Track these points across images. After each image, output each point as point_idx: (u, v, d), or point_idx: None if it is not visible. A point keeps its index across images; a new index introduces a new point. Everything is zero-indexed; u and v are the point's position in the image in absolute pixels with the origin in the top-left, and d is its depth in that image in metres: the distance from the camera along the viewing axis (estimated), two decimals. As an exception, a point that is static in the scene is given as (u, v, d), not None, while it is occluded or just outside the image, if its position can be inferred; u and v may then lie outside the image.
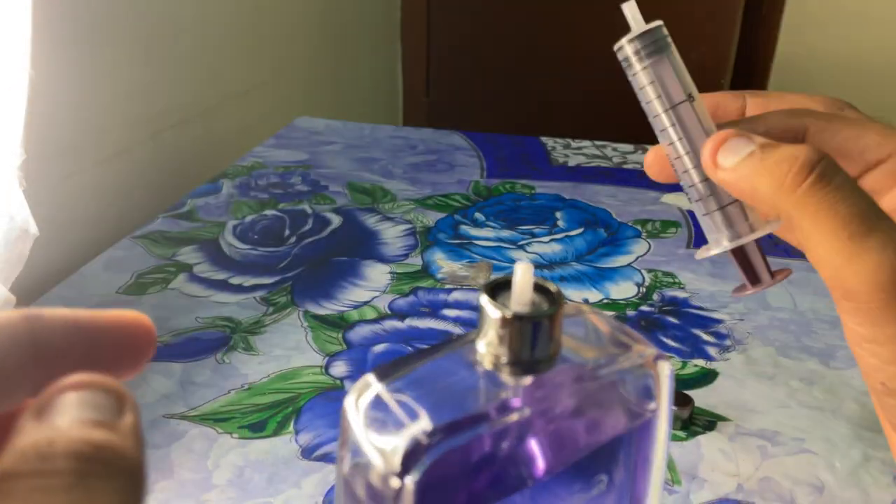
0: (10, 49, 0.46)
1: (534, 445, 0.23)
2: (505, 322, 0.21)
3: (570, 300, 0.56)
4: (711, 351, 0.51)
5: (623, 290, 0.58)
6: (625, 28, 0.31)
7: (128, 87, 0.74)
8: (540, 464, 0.23)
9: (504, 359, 0.22)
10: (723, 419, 0.45)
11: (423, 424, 0.20)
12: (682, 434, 0.44)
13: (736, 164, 0.26)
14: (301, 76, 1.14)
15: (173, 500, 0.38)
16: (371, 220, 0.69)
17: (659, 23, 0.29)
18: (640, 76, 0.29)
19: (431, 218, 0.69)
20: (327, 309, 0.55)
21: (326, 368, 0.49)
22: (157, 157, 0.79)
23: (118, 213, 0.72)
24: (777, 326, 0.54)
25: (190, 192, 0.73)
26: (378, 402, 0.21)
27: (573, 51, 1.59)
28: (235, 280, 0.59)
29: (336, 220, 0.69)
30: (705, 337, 0.52)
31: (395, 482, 0.20)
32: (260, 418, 0.44)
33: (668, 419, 0.26)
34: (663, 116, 0.28)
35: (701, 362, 0.50)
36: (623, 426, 0.25)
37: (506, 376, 0.22)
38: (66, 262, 0.63)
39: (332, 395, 0.46)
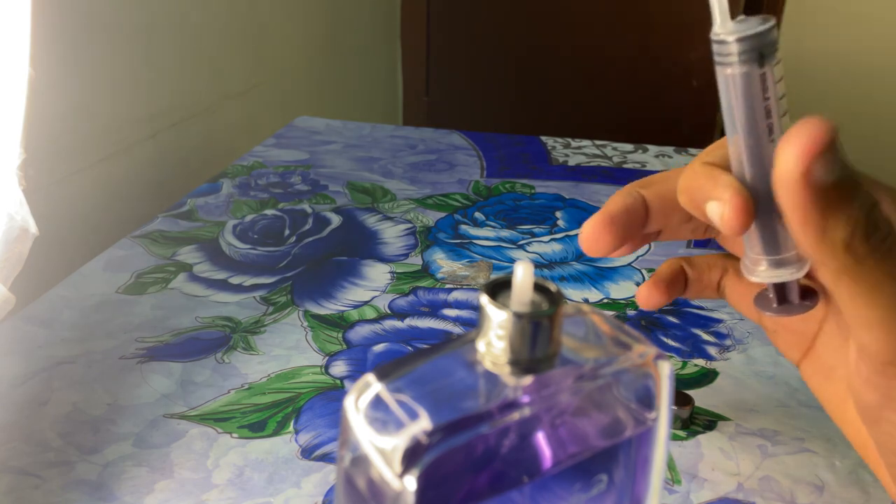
0: (10, 48, 0.46)
1: (534, 445, 0.23)
2: (505, 322, 0.21)
3: (570, 300, 0.56)
4: (711, 350, 0.51)
5: (623, 289, 0.58)
6: (620, 29, 0.30)
7: (128, 87, 0.74)
8: (540, 463, 0.23)
9: (504, 358, 0.22)
10: (723, 418, 0.45)
11: (422, 424, 0.20)
12: (682, 433, 0.44)
13: (836, 181, 0.22)
14: (301, 76, 1.14)
15: (173, 500, 0.38)
16: (371, 220, 0.69)
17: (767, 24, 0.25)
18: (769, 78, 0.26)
19: (431, 217, 0.69)
20: (327, 308, 0.55)
21: (326, 368, 0.49)
22: (157, 156, 0.79)
23: (118, 212, 0.72)
24: (777, 326, 0.54)
25: (190, 192, 0.73)
26: (378, 402, 0.22)
27: (573, 50, 1.59)
28: (235, 280, 0.59)
29: (336, 220, 0.69)
30: (705, 336, 0.52)
31: (395, 482, 0.20)
32: (260, 418, 0.44)
33: (669, 419, 0.26)
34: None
35: (701, 362, 0.50)
36: (625, 430, 0.25)
37: (506, 376, 0.22)
38: (66, 261, 0.63)
39: (332, 395, 0.46)
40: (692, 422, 0.44)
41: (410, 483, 0.20)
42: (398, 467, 0.20)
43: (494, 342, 0.22)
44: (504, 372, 0.22)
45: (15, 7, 0.46)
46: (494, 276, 0.22)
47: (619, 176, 0.79)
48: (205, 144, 0.87)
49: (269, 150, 0.84)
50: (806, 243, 0.23)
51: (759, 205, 0.27)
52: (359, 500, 0.22)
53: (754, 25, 0.25)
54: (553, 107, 1.64)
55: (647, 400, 0.25)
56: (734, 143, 0.27)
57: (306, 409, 0.45)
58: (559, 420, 0.24)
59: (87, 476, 0.40)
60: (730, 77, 0.25)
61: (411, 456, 0.20)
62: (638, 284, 0.59)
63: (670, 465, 0.41)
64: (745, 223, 0.26)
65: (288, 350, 0.50)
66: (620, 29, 1.55)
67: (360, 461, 0.21)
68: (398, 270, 0.60)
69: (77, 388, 0.46)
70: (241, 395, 0.46)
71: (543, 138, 0.89)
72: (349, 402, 0.22)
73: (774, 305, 0.29)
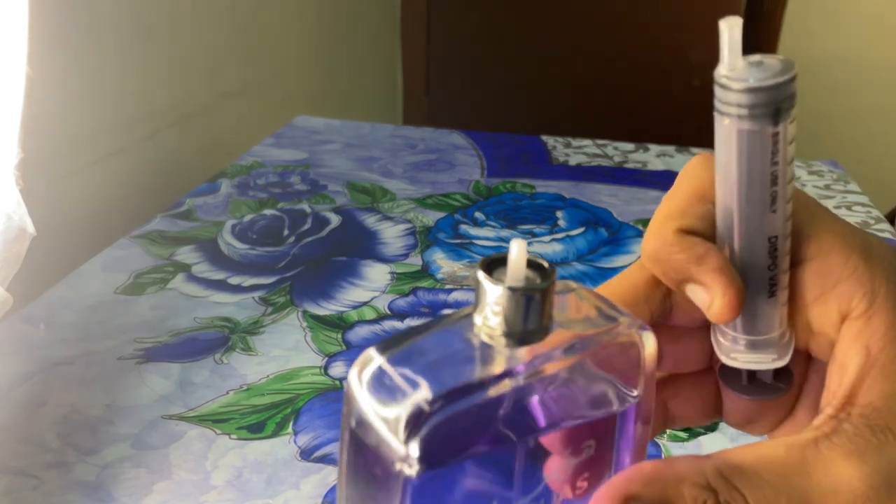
0: (8, 47, 0.46)
1: (528, 412, 0.25)
2: (500, 296, 0.22)
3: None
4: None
5: (624, 289, 0.58)
6: (621, 28, 0.27)
7: (126, 86, 0.74)
8: (533, 430, 0.25)
9: (499, 331, 0.23)
10: (724, 419, 0.45)
11: (423, 393, 0.22)
12: (683, 434, 0.43)
13: None
14: (300, 75, 1.14)
15: (171, 502, 0.38)
16: (371, 220, 0.68)
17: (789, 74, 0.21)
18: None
19: (431, 217, 0.69)
20: (326, 309, 0.55)
21: (326, 369, 0.49)
22: (156, 156, 0.79)
23: (116, 212, 0.72)
24: (779, 326, 0.53)
25: (188, 192, 0.73)
26: (380, 374, 0.23)
27: (574, 49, 1.58)
28: (234, 280, 0.58)
29: (335, 220, 0.68)
30: (707, 337, 0.52)
31: (399, 448, 0.21)
32: (259, 419, 0.44)
33: (653, 390, 0.26)
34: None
35: (702, 362, 0.50)
36: (613, 401, 0.26)
37: (501, 347, 0.23)
38: (64, 261, 0.62)
39: (332, 396, 0.46)
40: (693, 423, 0.44)
41: (414, 449, 0.21)
42: (402, 435, 0.21)
43: (490, 316, 0.23)
44: (499, 344, 0.23)
45: (13, 6, 0.46)
46: (491, 254, 0.24)
47: (621, 175, 0.79)
48: (203, 144, 0.87)
49: (268, 149, 0.84)
50: None
51: (753, 283, 0.24)
52: (364, 469, 0.23)
53: (773, 72, 0.21)
54: (554, 106, 1.64)
55: (634, 371, 0.26)
56: (725, 206, 0.24)
57: (305, 411, 0.45)
58: (551, 389, 0.25)
59: (86, 477, 0.40)
60: (733, 132, 0.22)
61: (414, 423, 0.21)
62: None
63: (672, 467, 0.41)
64: (736, 314, 0.24)
65: (287, 351, 0.50)
66: (621, 28, 1.54)
67: (365, 431, 0.23)
68: (398, 271, 0.60)
69: (75, 389, 0.46)
70: (239, 396, 0.46)
71: (544, 138, 0.89)
72: (353, 375, 0.23)
73: (744, 383, 0.26)
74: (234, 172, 0.77)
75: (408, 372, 0.22)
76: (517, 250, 0.22)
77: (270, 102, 1.03)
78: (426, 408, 0.21)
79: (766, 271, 0.24)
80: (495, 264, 0.23)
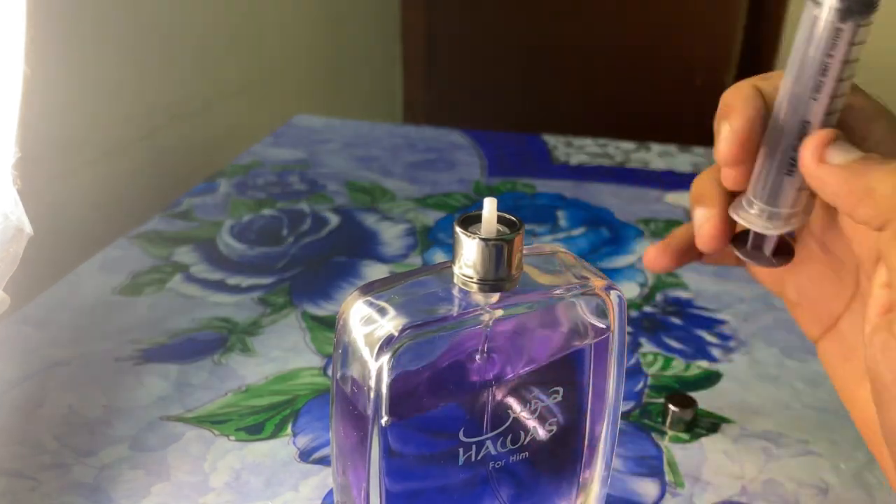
0: (5, 46, 0.46)
1: (494, 350, 0.28)
2: (474, 246, 0.25)
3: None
4: (715, 352, 0.50)
5: (626, 290, 0.57)
6: (622, 26, 0.30)
7: (124, 85, 0.73)
8: (499, 366, 0.28)
9: (473, 277, 0.26)
10: (726, 421, 0.44)
11: (397, 322, 0.25)
12: (685, 436, 0.43)
13: (847, 161, 0.25)
14: (299, 73, 1.13)
15: (170, 503, 0.38)
16: (370, 220, 0.68)
17: None
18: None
19: (431, 217, 0.69)
20: (326, 310, 0.55)
21: (325, 370, 0.48)
22: (154, 155, 0.78)
23: (114, 212, 0.72)
24: (782, 327, 0.53)
25: (187, 191, 0.73)
26: (363, 309, 0.27)
27: (574, 48, 1.58)
28: (232, 280, 0.58)
29: (335, 220, 0.68)
30: (709, 338, 0.52)
31: (373, 364, 0.25)
32: (257, 420, 0.44)
33: (620, 345, 0.29)
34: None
35: (704, 363, 0.49)
36: (576, 342, 0.29)
37: (475, 294, 0.26)
38: (62, 262, 0.62)
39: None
40: (695, 424, 0.44)
41: (384, 366, 0.25)
42: (374, 353, 0.25)
43: (465, 264, 0.26)
44: (473, 289, 0.26)
45: (10, 5, 0.45)
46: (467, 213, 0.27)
47: (622, 175, 0.78)
48: (202, 143, 0.87)
49: (267, 148, 0.83)
50: (854, 210, 0.25)
51: (778, 153, 0.27)
52: (349, 383, 0.27)
53: None
54: (555, 104, 1.63)
55: (601, 319, 0.29)
56: (785, 80, 0.26)
57: (305, 412, 0.45)
58: (518, 331, 0.28)
59: (84, 479, 0.39)
60: (808, 17, 0.25)
61: (385, 344, 0.25)
62: (641, 285, 0.58)
63: (673, 468, 0.41)
64: (736, 151, 0.27)
65: (286, 352, 0.50)
66: (622, 27, 1.54)
67: (350, 353, 0.26)
68: (398, 271, 0.60)
69: (72, 391, 0.46)
70: (238, 398, 0.46)
71: (545, 137, 0.88)
72: (342, 310, 0.27)
73: (747, 247, 0.30)
74: (233, 172, 0.77)
75: (386, 307, 0.26)
76: (489, 207, 0.26)
77: (269, 101, 1.03)
78: (396, 333, 0.25)
79: (790, 150, 0.27)
80: (470, 221, 0.26)
